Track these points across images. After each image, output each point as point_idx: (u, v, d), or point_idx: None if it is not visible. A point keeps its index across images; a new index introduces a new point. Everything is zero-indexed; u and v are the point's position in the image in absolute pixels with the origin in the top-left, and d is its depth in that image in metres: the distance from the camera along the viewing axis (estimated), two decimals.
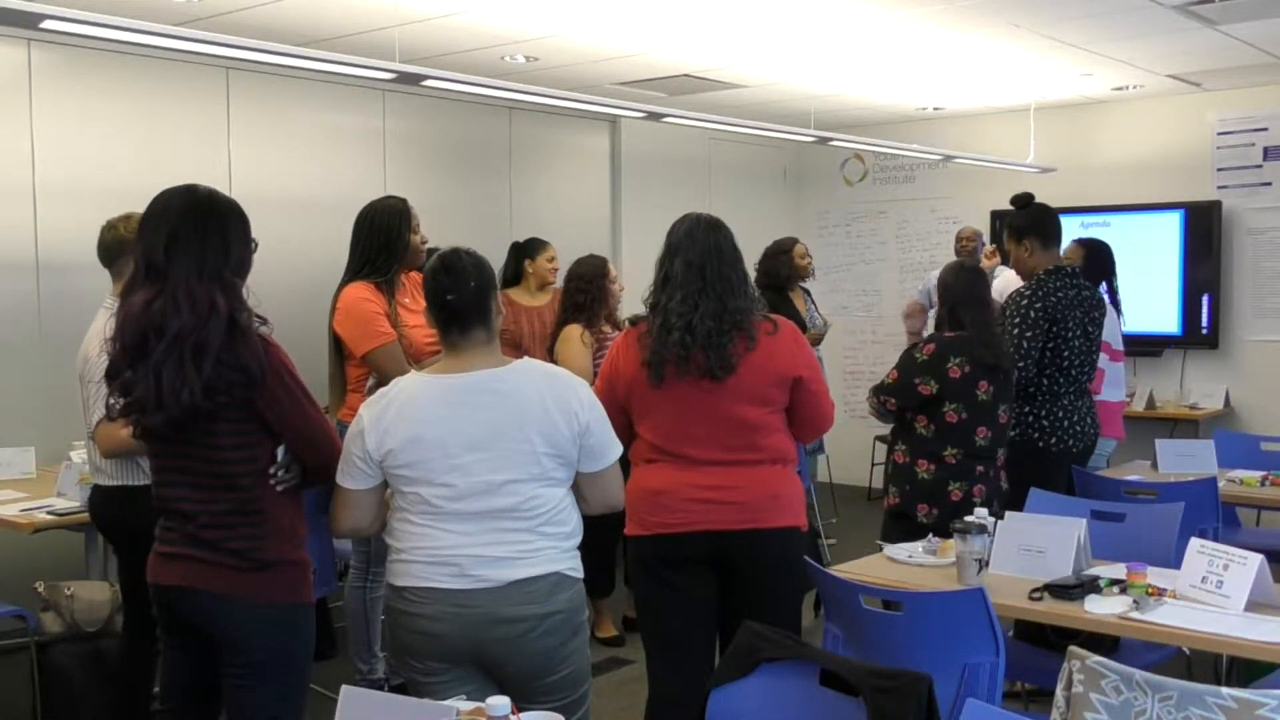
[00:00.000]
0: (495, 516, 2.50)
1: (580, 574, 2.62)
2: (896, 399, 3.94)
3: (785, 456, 3.15)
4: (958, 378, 3.83)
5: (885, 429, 4.68)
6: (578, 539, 2.63)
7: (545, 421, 2.52)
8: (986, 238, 7.69)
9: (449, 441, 2.48)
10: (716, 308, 3.02)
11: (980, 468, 3.86)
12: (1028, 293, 4.35)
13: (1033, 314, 4.29)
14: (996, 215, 7.72)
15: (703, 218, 3.15)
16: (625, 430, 3.15)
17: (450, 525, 2.49)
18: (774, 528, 3.08)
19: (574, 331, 4.90)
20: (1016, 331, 4.28)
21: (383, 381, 3.84)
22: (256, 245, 2.55)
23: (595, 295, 4.94)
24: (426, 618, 2.49)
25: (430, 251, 4.45)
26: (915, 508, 3.89)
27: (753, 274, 5.82)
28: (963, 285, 3.98)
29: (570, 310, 4.98)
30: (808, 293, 6.43)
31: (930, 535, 3.48)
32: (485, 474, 2.48)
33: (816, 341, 6.09)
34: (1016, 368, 4.24)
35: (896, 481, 3.98)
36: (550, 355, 5.30)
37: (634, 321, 3.22)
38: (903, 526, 3.90)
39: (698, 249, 3.07)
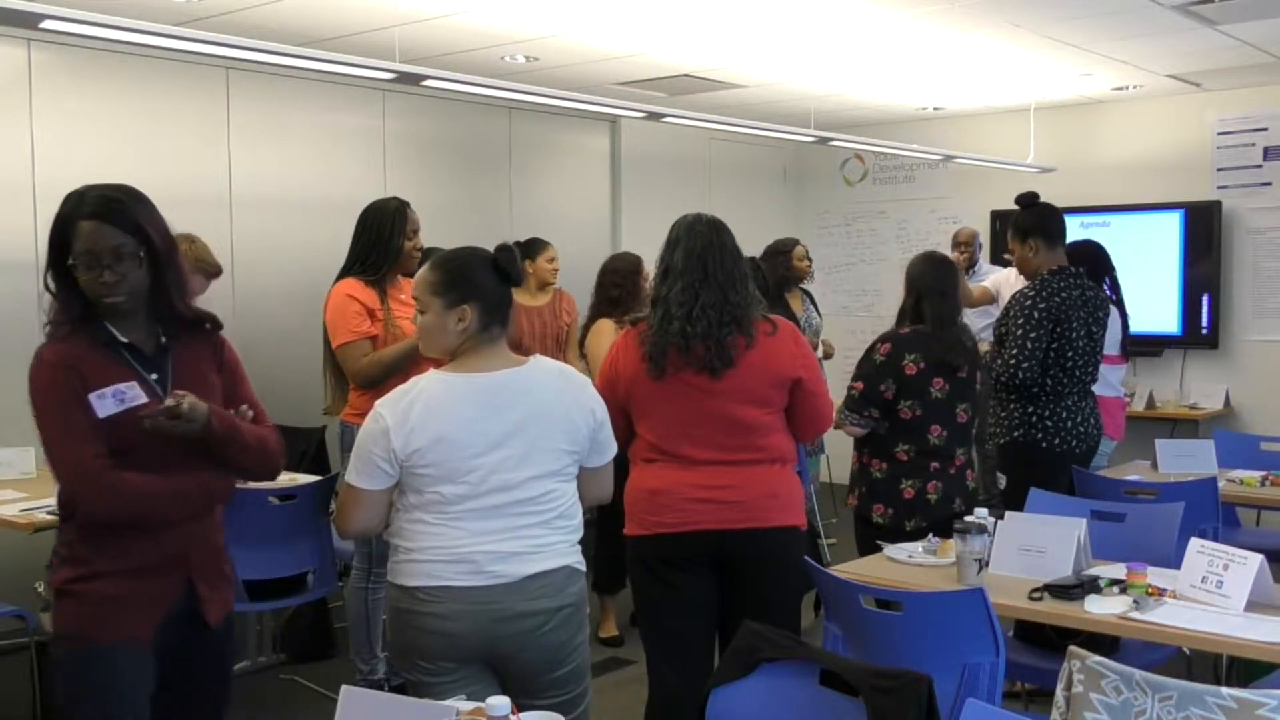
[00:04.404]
0: (511, 513, 2.51)
1: (584, 567, 2.66)
2: (875, 408, 3.85)
3: (784, 456, 3.16)
4: (913, 374, 3.80)
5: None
6: (581, 533, 2.67)
7: (565, 419, 2.57)
8: (986, 238, 7.69)
9: (476, 440, 2.48)
10: (718, 298, 3.02)
11: (935, 464, 3.81)
12: (1031, 293, 4.34)
13: (1036, 314, 4.28)
14: (997, 215, 7.72)
15: (704, 216, 3.17)
16: (625, 430, 3.16)
17: (466, 523, 2.49)
18: (773, 527, 3.09)
19: (607, 325, 4.97)
20: (1020, 332, 4.27)
21: (351, 378, 4.04)
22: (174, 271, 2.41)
23: (629, 291, 5.02)
24: (442, 616, 2.49)
25: (427, 253, 4.49)
26: (871, 509, 3.86)
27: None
28: (931, 277, 3.92)
29: (604, 304, 5.06)
30: (808, 294, 6.41)
31: (932, 536, 3.47)
32: (507, 471, 2.50)
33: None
34: (1020, 368, 4.23)
35: (857, 483, 3.96)
36: (562, 351, 5.37)
37: (634, 322, 3.23)
38: (863, 529, 3.89)
39: (699, 240, 3.08)
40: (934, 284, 3.90)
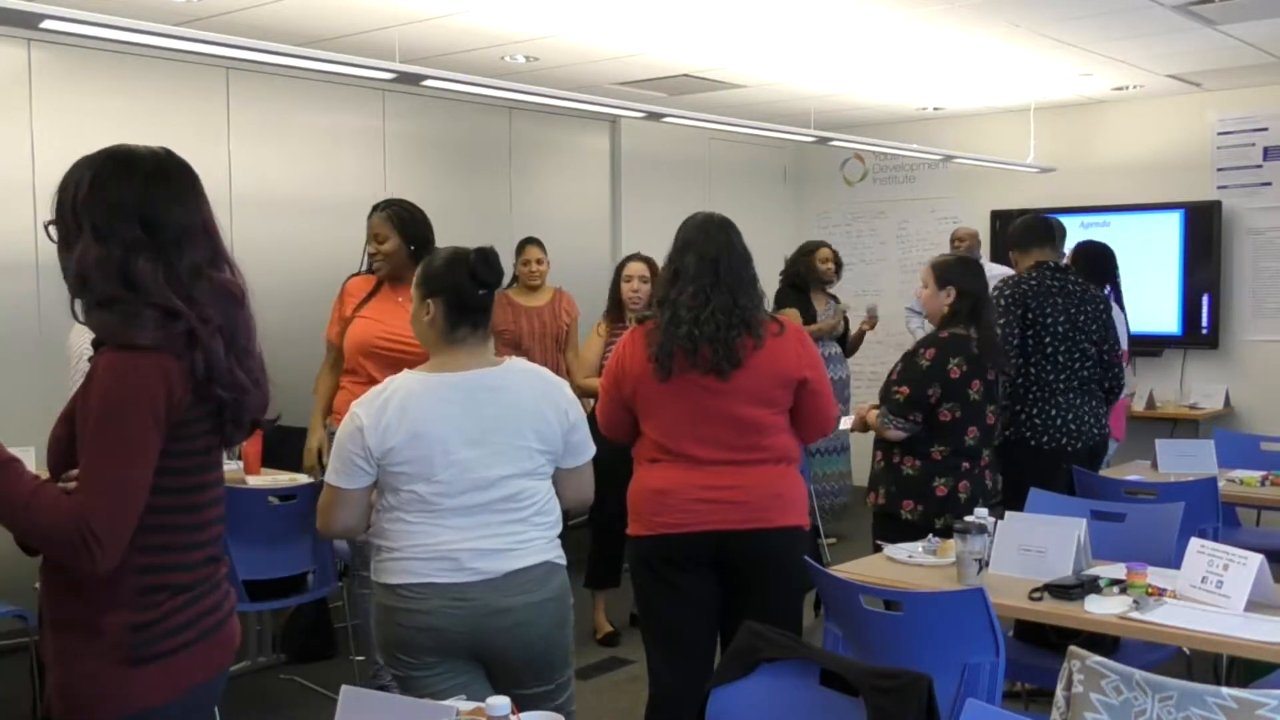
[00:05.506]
0: (490, 510, 2.54)
1: (564, 561, 2.68)
2: (919, 412, 3.83)
3: (789, 456, 3.16)
4: (957, 378, 3.81)
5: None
6: (560, 529, 2.70)
7: (539, 418, 2.60)
8: (986, 238, 7.69)
9: (450, 438, 2.51)
10: (727, 302, 3.03)
11: (966, 464, 3.82)
12: (1000, 284, 4.49)
13: (1003, 302, 4.42)
14: (996, 215, 7.73)
15: (715, 215, 3.18)
16: (630, 428, 3.17)
17: (446, 521, 2.52)
18: (777, 527, 3.09)
19: (597, 325, 5.04)
20: (1000, 322, 4.34)
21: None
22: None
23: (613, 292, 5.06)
24: (425, 613, 2.51)
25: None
26: (900, 505, 3.86)
27: (768, 271, 5.96)
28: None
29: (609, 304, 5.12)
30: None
31: (931, 535, 3.48)
32: (482, 469, 2.53)
33: (829, 332, 6.27)
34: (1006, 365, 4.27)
35: (884, 481, 3.95)
36: (562, 351, 5.38)
37: (641, 320, 3.23)
38: (890, 525, 3.89)
39: (712, 245, 3.09)
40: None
